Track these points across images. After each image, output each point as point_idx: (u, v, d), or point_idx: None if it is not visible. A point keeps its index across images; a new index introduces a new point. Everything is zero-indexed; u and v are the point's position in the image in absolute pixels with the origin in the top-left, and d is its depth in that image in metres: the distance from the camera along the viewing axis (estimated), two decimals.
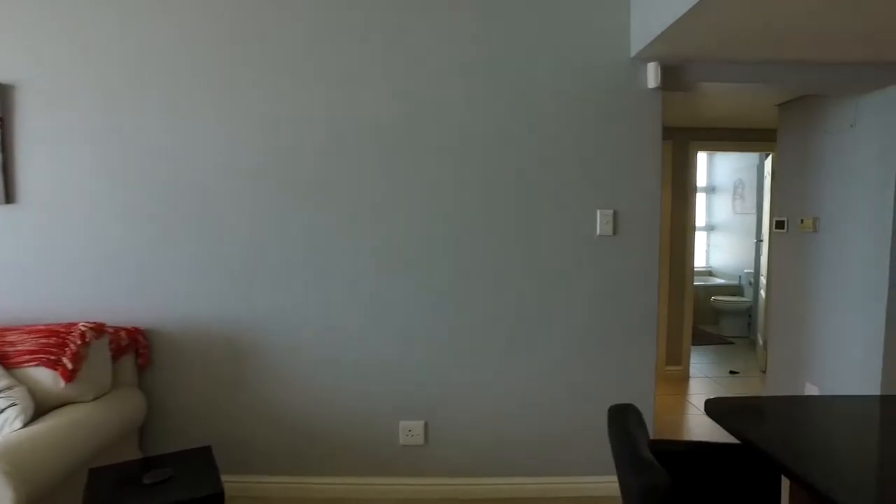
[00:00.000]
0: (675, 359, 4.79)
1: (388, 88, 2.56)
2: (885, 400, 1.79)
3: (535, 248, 2.60)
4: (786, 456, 1.32)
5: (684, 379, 4.76)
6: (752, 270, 6.39)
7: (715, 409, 1.63)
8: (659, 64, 2.53)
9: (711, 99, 3.56)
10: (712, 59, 2.59)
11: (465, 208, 2.59)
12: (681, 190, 4.66)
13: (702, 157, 7.31)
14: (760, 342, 5.08)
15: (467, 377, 2.66)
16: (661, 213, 2.63)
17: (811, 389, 3.30)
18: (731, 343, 6.07)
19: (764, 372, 4.90)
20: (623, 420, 1.41)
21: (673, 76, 2.61)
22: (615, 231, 2.60)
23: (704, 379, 4.75)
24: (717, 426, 1.59)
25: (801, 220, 3.35)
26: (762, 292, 5.26)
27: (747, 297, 6.42)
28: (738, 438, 1.49)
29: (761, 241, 5.55)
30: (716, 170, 7.42)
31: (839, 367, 3.09)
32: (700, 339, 6.20)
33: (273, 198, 2.60)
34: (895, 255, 2.76)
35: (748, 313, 6.29)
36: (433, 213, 2.59)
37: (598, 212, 2.59)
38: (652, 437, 2.84)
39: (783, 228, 3.55)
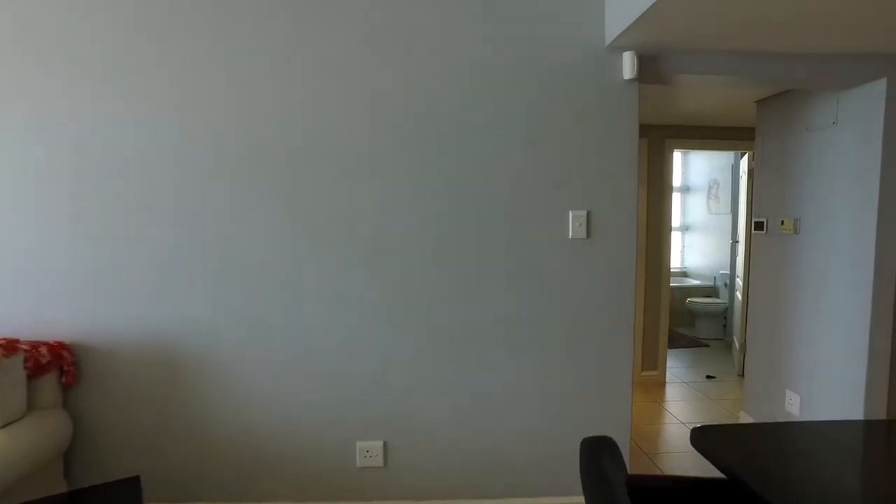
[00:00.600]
0: (652, 363, 4.64)
1: (343, 82, 2.33)
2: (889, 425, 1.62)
3: (502, 254, 2.39)
4: (777, 496, 1.13)
5: (660, 384, 4.61)
6: (727, 272, 6.31)
7: (700, 439, 1.44)
8: (635, 53, 2.35)
9: (689, 94, 3.40)
10: (691, 49, 2.42)
11: (427, 213, 2.37)
12: (657, 189, 4.51)
13: (676, 157, 7.21)
14: (737, 345, 4.97)
15: (430, 393, 2.44)
16: (637, 215, 2.44)
17: (791, 397, 3.16)
18: (707, 346, 5.97)
19: (741, 375, 4.79)
20: (597, 457, 1.20)
21: (650, 67, 2.42)
22: (589, 234, 2.41)
23: (681, 384, 4.62)
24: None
25: (782, 222, 3.21)
26: (738, 294, 5.15)
27: (723, 299, 6.33)
28: (726, 475, 1.30)
29: (737, 241, 5.45)
30: (690, 169, 7.33)
31: (821, 373, 2.96)
32: (675, 341, 6.08)
33: (211, 196, 2.35)
34: (879, 258, 2.62)
35: (724, 315, 6.20)
36: (390, 219, 2.37)
37: (571, 213, 2.39)
38: (629, 450, 2.68)
39: (763, 230, 3.41)
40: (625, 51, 2.37)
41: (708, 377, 4.79)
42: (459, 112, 2.34)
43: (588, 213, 2.40)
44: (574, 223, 2.39)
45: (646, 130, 4.45)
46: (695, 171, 7.22)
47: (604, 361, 2.47)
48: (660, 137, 4.48)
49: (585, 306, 2.44)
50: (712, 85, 2.79)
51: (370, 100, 2.33)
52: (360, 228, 2.36)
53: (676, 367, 5.11)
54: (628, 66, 2.36)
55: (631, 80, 2.40)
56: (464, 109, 2.34)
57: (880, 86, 2.60)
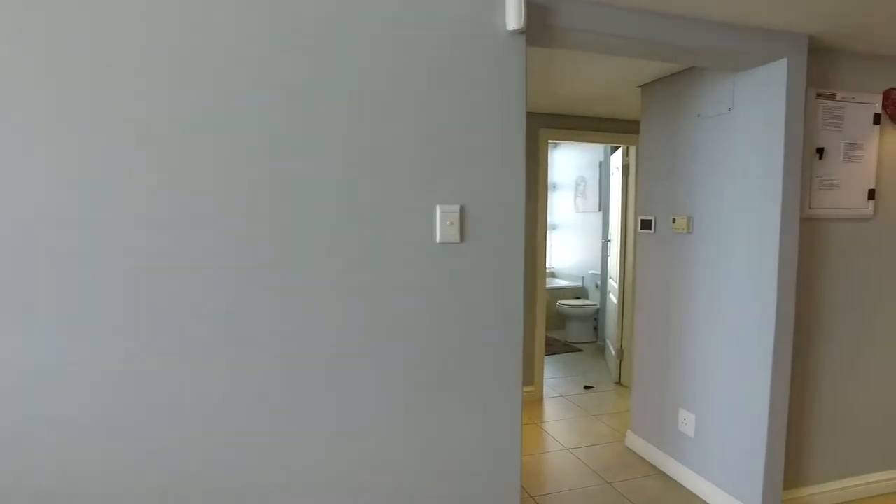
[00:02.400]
0: (528, 378, 4.19)
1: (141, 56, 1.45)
2: None
3: (339, 267, 1.67)
4: None
5: (538, 401, 4.18)
6: (597, 272, 6.14)
7: None
8: None
9: (568, 75, 2.93)
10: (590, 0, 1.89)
11: (244, 210, 1.57)
12: (530, 185, 4.06)
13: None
14: (612, 351, 4.71)
15: (251, 462, 1.65)
16: (524, 211, 1.85)
17: (685, 416, 2.80)
18: (580, 350, 5.73)
19: (619, 383, 4.52)
20: None
21: (540, 19, 1.85)
22: (463, 236, 1.77)
23: (560, 399, 4.22)
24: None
25: (673, 220, 2.84)
26: (612, 296, 4.91)
27: (593, 300, 6.16)
28: None
29: (609, 241, 5.23)
30: (555, 166, 7.14)
31: (719, 389, 2.61)
32: (548, 347, 5.77)
33: None
34: (784, 258, 2.30)
35: (594, 317, 6.02)
36: (199, 221, 1.54)
37: (439, 209, 1.73)
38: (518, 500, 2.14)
39: (650, 229, 3.04)
40: None
41: (586, 388, 4.46)
42: (304, 79, 1.57)
43: (462, 209, 1.76)
44: (443, 222, 1.73)
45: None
46: (561, 169, 7.04)
47: (487, 399, 1.85)
48: (533, 127, 4.03)
49: (462, 333, 1.79)
50: (601, 58, 2.31)
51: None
52: (168, 244, 1.49)
53: (552, 378, 4.74)
54: (513, 13, 1.76)
55: (517, 34, 1.80)
56: (309, 76, 1.58)
57: (780, 67, 2.27)
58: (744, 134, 2.43)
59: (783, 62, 2.25)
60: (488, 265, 1.80)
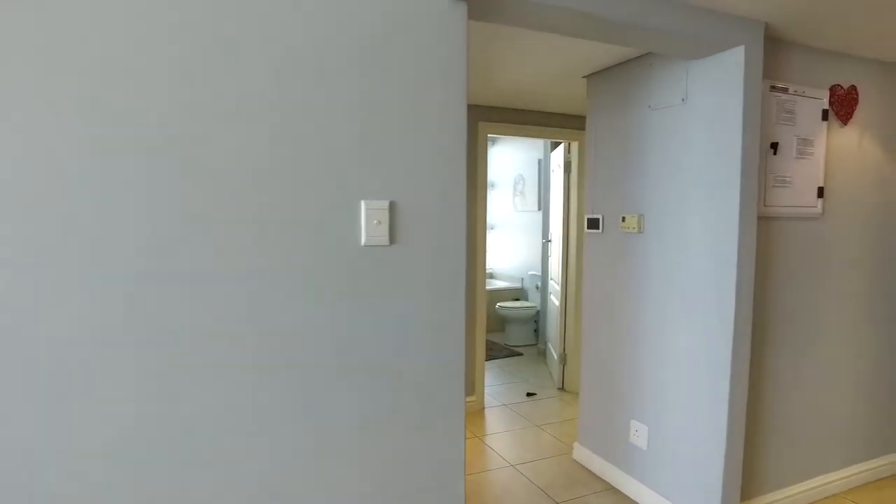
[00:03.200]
0: (469, 387, 3.94)
1: None
2: None
3: (242, 276, 1.33)
4: None
5: (480, 412, 3.94)
6: (537, 272, 5.99)
7: None
8: None
9: (508, 61, 2.70)
10: None
11: (125, 201, 1.21)
12: (470, 181, 3.81)
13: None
14: (554, 355, 4.55)
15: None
16: (466, 208, 1.58)
17: (637, 428, 2.63)
18: (520, 354, 5.55)
19: (562, 389, 4.36)
20: None
21: None
22: (393, 237, 1.48)
23: (502, 409, 4.00)
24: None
25: (623, 219, 2.66)
26: (553, 298, 4.76)
27: (533, 302, 6.01)
28: None
29: (549, 241, 5.08)
30: (492, 165, 6.96)
31: (674, 399, 2.44)
32: (488, 351, 5.57)
33: None
34: (742, 258, 2.15)
35: (535, 319, 5.86)
36: (68, 221, 1.16)
37: (364, 205, 1.43)
38: None
39: (598, 228, 2.86)
40: None
41: (529, 395, 4.26)
42: (207, 54, 1.22)
43: (392, 206, 1.47)
44: (369, 221, 1.43)
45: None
46: (497, 167, 6.87)
47: (424, 431, 1.56)
48: (471, 120, 3.78)
49: (389, 352, 1.50)
50: (545, 44, 2.08)
51: None
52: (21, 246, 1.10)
53: (494, 385, 4.52)
54: None
55: (457, 2, 1.52)
56: (212, 48, 1.23)
57: (737, 55, 2.12)
58: (699, 126, 2.27)
59: (740, 50, 2.10)
60: (425, 271, 1.51)
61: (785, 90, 2.31)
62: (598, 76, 2.85)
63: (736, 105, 2.11)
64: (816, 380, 2.60)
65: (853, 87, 2.54)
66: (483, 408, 4.00)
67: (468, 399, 3.92)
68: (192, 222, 1.25)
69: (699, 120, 2.26)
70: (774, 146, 2.29)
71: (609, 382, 2.82)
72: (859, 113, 2.58)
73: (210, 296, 1.28)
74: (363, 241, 1.42)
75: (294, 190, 1.35)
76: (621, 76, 2.68)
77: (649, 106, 2.50)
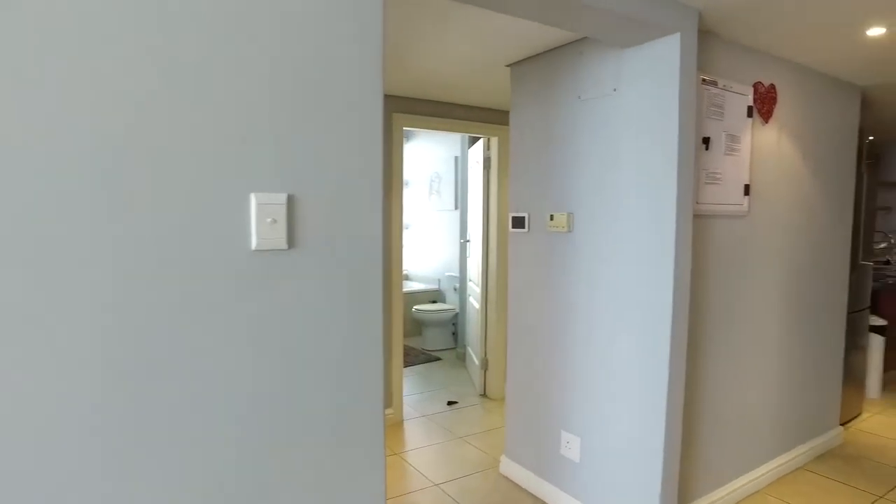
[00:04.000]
0: (386, 399, 3.65)
1: None
2: None
3: (94, 288, 0.98)
4: None
5: (398, 425, 3.66)
6: (455, 274, 5.80)
7: None
8: None
9: (427, 45, 2.45)
10: None
11: None
12: (384, 176, 3.52)
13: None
14: (475, 359, 4.36)
15: None
16: (383, 205, 1.30)
17: (569, 439, 2.47)
18: (439, 359, 5.33)
19: (484, 395, 4.18)
20: None
21: None
22: (293, 239, 1.17)
23: (422, 420, 3.74)
24: None
25: (551, 217, 2.49)
26: (472, 300, 4.57)
27: (451, 304, 5.80)
28: None
29: (468, 241, 4.90)
30: (407, 161, 6.70)
31: (607, 409, 2.30)
32: (406, 357, 5.30)
33: None
34: (679, 260, 2.03)
35: (453, 322, 5.67)
36: None
37: (255, 199, 1.11)
38: None
39: (523, 227, 2.67)
40: None
41: (450, 403, 4.04)
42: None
43: (291, 200, 1.16)
44: (261, 219, 1.11)
45: None
46: (412, 164, 6.62)
47: (335, 468, 1.26)
48: (386, 111, 3.50)
49: (293, 379, 1.19)
50: (466, 25, 1.85)
51: None
52: None
53: (412, 395, 4.26)
54: None
55: None
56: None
57: (672, 43, 1.99)
58: (632, 118, 2.13)
59: (675, 38, 1.98)
60: (332, 281, 1.21)
61: (714, 83, 2.23)
62: (524, 65, 2.66)
63: (671, 95, 1.98)
64: (742, 379, 2.56)
65: (773, 86, 2.52)
66: (402, 420, 3.73)
67: (386, 412, 3.63)
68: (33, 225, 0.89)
69: (632, 111, 2.12)
70: (706, 141, 2.20)
71: (537, 391, 2.64)
72: (778, 112, 2.57)
73: (37, 333, 0.92)
74: (254, 244, 1.11)
75: (154, 176, 1.01)
76: (549, 65, 2.51)
77: (579, 97, 2.34)
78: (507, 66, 2.75)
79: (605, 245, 2.25)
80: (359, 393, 1.26)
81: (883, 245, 4.53)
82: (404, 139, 6.64)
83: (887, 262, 5.18)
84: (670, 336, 2.03)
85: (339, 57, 1.19)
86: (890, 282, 4.26)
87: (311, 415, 1.21)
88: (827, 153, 2.91)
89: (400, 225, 3.63)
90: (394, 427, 3.62)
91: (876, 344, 3.86)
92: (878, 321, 3.86)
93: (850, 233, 3.16)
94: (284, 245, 1.14)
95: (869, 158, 3.37)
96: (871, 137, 3.38)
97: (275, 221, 1.11)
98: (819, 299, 2.98)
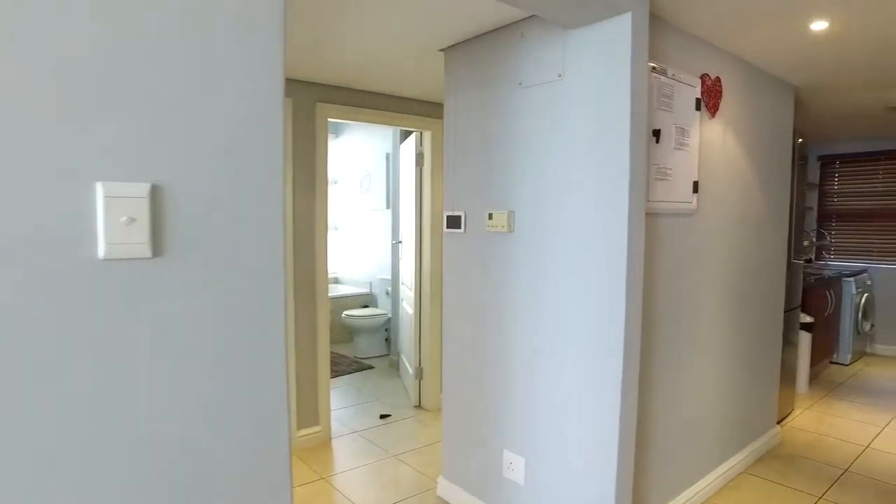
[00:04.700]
0: (311, 417, 3.33)
1: None
2: None
3: None
4: None
5: (326, 444, 3.34)
6: (387, 277, 5.51)
7: None
8: None
9: (350, 26, 2.16)
10: None
11: None
12: (307, 173, 3.20)
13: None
14: (409, 368, 4.09)
15: None
16: (283, 200, 1.01)
17: (512, 460, 2.25)
18: (371, 367, 5.02)
19: (419, 407, 3.92)
20: None
21: None
22: (159, 245, 0.86)
23: (353, 437, 3.44)
24: None
25: (490, 216, 2.27)
26: (405, 305, 4.30)
27: (383, 309, 5.51)
28: None
29: (400, 242, 4.62)
30: (336, 159, 6.34)
31: (555, 425, 2.10)
32: (335, 366, 4.96)
33: None
34: (632, 262, 1.86)
35: (386, 328, 5.37)
36: None
37: (101, 189, 0.80)
38: None
39: (459, 227, 2.44)
40: None
41: (382, 417, 3.76)
42: None
43: (155, 192, 0.85)
44: (113, 217, 0.80)
45: (288, 87, 3.09)
46: (341, 161, 6.27)
47: None
48: (307, 100, 3.17)
49: (168, 440, 0.89)
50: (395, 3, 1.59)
51: None
52: None
53: (342, 408, 3.94)
54: None
55: None
56: None
57: (623, 24, 1.81)
58: (579, 106, 1.93)
59: (626, 18, 1.80)
60: (216, 302, 0.92)
61: (664, 72, 2.08)
62: (459, 49, 2.43)
63: (622, 82, 1.80)
64: (688, 386, 2.44)
65: (718, 79, 2.42)
66: (330, 438, 3.41)
67: (312, 430, 3.30)
68: None
69: (580, 98, 1.93)
70: (657, 133, 2.05)
71: (476, 406, 2.42)
72: (723, 106, 2.47)
73: None
74: (101, 252, 0.80)
75: None
76: (486, 48, 2.29)
77: (520, 83, 2.13)
78: (441, 50, 2.51)
79: (550, 246, 2.05)
80: (256, 449, 0.97)
81: (806, 243, 4.66)
82: (333, 135, 6.29)
83: (809, 261, 5.37)
84: (623, 344, 1.85)
85: (226, 13, 0.90)
86: (812, 280, 4.37)
87: (187, 465, 0.90)
88: (767, 152, 2.87)
89: (325, 225, 3.31)
90: (321, 447, 3.29)
91: (805, 341, 3.92)
92: (806, 318, 3.93)
93: (787, 233, 3.15)
94: (147, 252, 0.83)
95: (799, 160, 3.38)
96: (800, 139, 3.39)
97: (132, 221, 0.81)
98: (760, 300, 2.94)
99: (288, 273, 3.15)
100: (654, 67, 2.03)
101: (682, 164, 2.19)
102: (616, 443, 1.89)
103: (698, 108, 2.27)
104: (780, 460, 3.01)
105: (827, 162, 5.57)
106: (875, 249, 5.33)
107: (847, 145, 5.40)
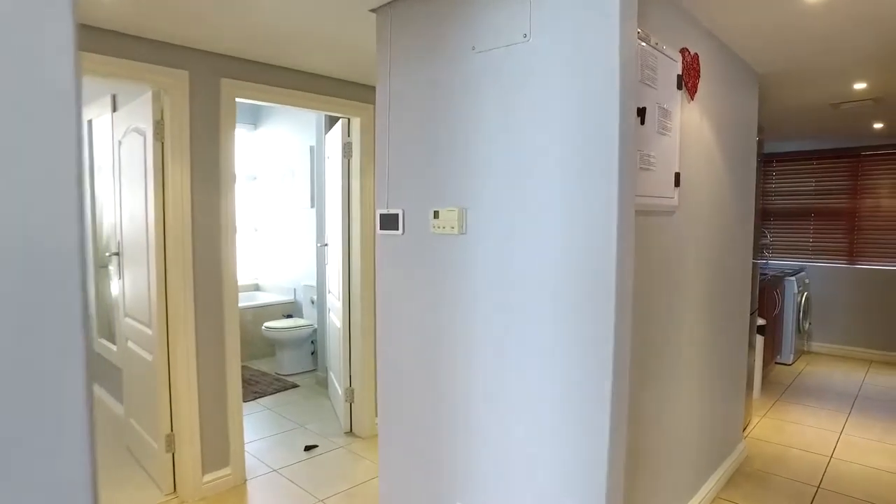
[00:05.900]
0: (219, 456, 2.76)
1: None
2: None
3: None
4: None
5: (239, 488, 2.78)
6: (312, 283, 4.94)
7: None
8: None
9: None
10: None
11: None
12: (209, 166, 2.63)
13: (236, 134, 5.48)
14: (339, 389, 3.58)
15: None
16: (78, 194, 0.53)
17: None
18: (296, 385, 4.46)
19: (350, 433, 3.42)
20: None
21: None
22: None
23: (272, 477, 2.89)
24: None
25: (435, 214, 1.82)
26: (332, 316, 3.79)
27: (309, 319, 4.94)
28: None
29: (326, 245, 4.09)
30: (254, 153, 5.70)
31: (517, 468, 1.69)
32: (252, 386, 4.36)
33: None
34: (622, 269, 1.47)
35: (312, 340, 4.81)
36: None
37: None
38: None
39: (396, 228, 1.98)
40: None
41: (308, 449, 3.23)
42: None
43: None
44: None
45: (182, 56, 2.51)
46: (260, 156, 5.63)
47: None
48: (208, 74, 2.60)
49: None
50: None
51: None
52: None
53: (259, 439, 3.37)
54: None
55: None
56: None
57: None
58: (551, 76, 1.52)
59: None
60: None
61: (647, 39, 1.71)
62: (395, 7, 1.96)
63: (609, 44, 1.41)
64: (673, 407, 2.11)
65: (696, 56, 2.09)
66: (244, 481, 2.85)
67: (220, 474, 2.74)
68: None
69: (552, 66, 1.52)
70: (642, 113, 1.67)
71: (421, 443, 1.97)
72: (701, 89, 2.16)
73: None
74: None
75: None
76: (429, 5, 1.84)
77: (473, 47, 1.70)
78: (372, 10, 2.03)
79: (512, 250, 1.64)
80: None
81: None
82: (250, 125, 5.64)
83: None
84: (612, 369, 1.46)
85: None
86: (764, 280, 4.24)
87: None
88: (736, 145, 2.60)
89: (232, 224, 2.76)
90: (232, 493, 2.73)
91: (759, 344, 3.75)
92: (761, 321, 3.76)
93: (752, 232, 2.91)
94: None
95: (758, 156, 3.17)
96: (759, 137, 3.18)
97: None
98: (731, 306, 2.67)
99: (184, 265, 2.57)
100: (637, 32, 1.66)
101: (664, 151, 1.84)
102: (603, 489, 1.50)
103: (680, 86, 1.93)
104: (750, 480, 2.76)
105: (765, 161, 5.55)
106: (810, 248, 5.34)
107: (782, 145, 5.40)
